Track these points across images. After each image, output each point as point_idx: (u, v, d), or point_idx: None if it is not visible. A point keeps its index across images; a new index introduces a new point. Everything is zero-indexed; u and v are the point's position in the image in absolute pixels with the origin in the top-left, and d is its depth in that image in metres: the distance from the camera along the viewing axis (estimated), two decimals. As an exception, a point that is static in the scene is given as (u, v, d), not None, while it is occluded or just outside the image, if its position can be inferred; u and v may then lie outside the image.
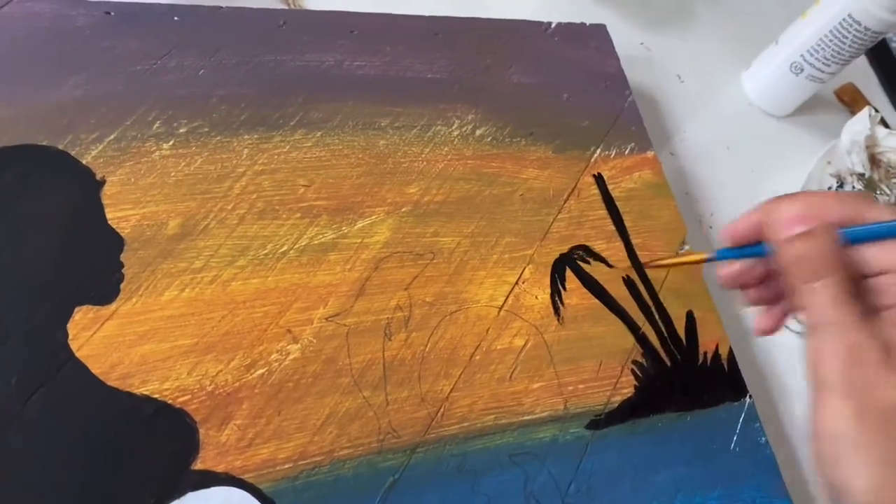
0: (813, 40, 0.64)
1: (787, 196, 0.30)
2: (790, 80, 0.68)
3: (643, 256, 0.49)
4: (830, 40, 0.62)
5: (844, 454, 0.27)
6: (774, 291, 0.34)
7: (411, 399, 0.39)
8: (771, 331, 0.34)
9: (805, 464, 0.50)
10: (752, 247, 0.32)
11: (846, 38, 0.61)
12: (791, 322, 0.54)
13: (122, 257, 0.38)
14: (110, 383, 0.35)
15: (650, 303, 0.48)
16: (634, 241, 0.50)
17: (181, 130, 0.42)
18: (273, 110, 0.45)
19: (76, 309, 0.36)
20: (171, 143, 0.42)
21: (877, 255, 0.28)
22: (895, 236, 0.28)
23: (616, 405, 0.43)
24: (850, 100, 0.75)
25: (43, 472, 0.32)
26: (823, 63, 0.64)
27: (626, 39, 0.66)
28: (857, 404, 0.27)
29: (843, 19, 0.60)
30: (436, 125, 0.49)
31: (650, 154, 0.55)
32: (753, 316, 0.35)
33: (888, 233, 0.28)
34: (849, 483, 0.27)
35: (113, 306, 0.36)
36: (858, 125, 0.65)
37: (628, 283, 0.48)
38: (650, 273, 0.49)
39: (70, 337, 0.35)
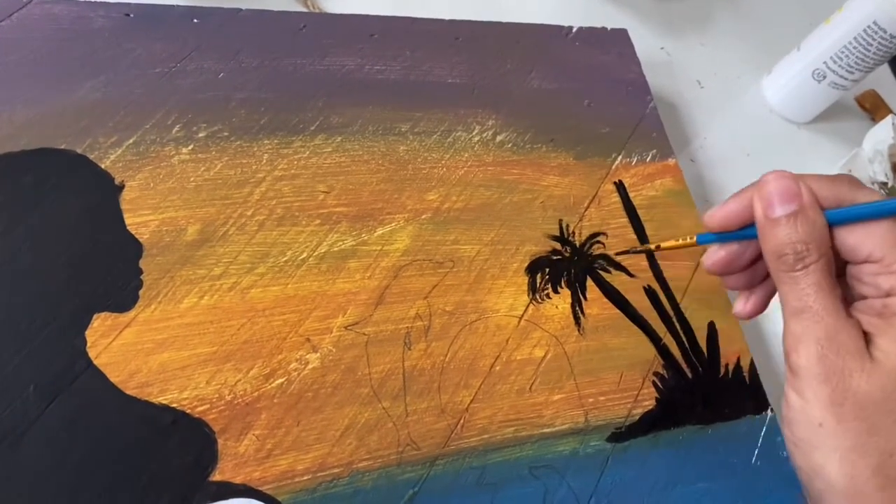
0: (836, 47, 0.63)
1: (776, 172, 0.29)
2: (812, 87, 0.67)
3: (664, 266, 0.48)
4: (854, 47, 0.61)
5: (818, 440, 0.27)
6: (759, 274, 0.33)
7: (431, 410, 0.39)
8: (752, 315, 0.34)
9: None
10: (733, 233, 0.31)
11: (871, 45, 0.60)
12: None
13: (141, 263, 0.37)
14: (129, 392, 0.34)
15: (671, 313, 0.47)
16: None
17: (201, 135, 0.42)
18: (293, 115, 0.45)
19: (95, 316, 0.35)
20: (190, 147, 0.41)
21: (861, 243, 0.28)
22: (877, 217, 0.27)
23: (637, 418, 0.43)
24: (872, 106, 0.75)
25: (60, 481, 0.32)
26: (847, 70, 0.63)
27: (646, 44, 0.66)
28: (832, 391, 0.27)
29: (868, 26, 0.59)
30: (456, 131, 0.49)
31: (671, 161, 0.54)
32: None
33: (871, 214, 0.27)
34: (822, 469, 0.27)
35: (132, 313, 0.36)
36: (881, 133, 0.64)
37: (649, 292, 0.47)
38: (672, 283, 0.48)
39: (88, 344, 0.35)
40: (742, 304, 0.34)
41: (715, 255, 0.32)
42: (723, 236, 0.32)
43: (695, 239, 0.35)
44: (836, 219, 0.28)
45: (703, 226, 0.32)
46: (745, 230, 0.31)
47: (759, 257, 0.32)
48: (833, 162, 0.66)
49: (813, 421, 0.27)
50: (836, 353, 0.27)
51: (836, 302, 0.28)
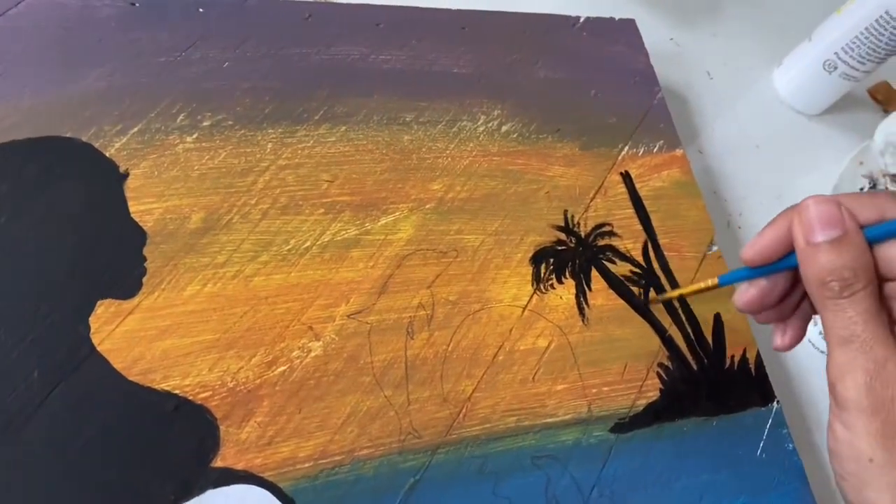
0: (847, 37, 0.62)
1: (815, 197, 0.28)
2: (823, 77, 0.66)
3: (670, 257, 0.48)
4: (866, 38, 0.61)
5: (869, 476, 0.26)
6: (790, 305, 0.33)
7: (433, 399, 0.39)
8: (792, 346, 0.33)
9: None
10: (762, 267, 0.31)
11: (882, 35, 0.60)
12: (817, 340, 0.53)
13: (145, 251, 0.37)
14: (132, 378, 0.34)
15: (677, 305, 0.47)
16: (662, 240, 0.49)
17: (205, 123, 0.42)
18: (297, 104, 0.45)
19: (98, 303, 0.35)
20: (194, 136, 0.41)
21: None
22: None
23: (641, 409, 0.43)
24: (884, 98, 0.74)
25: (63, 467, 0.32)
26: (858, 61, 0.63)
27: (656, 35, 0.65)
28: (882, 424, 0.26)
29: (881, 16, 0.59)
30: (461, 120, 0.48)
31: (679, 152, 0.54)
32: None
33: None
34: None
35: (135, 300, 0.36)
36: (893, 125, 0.63)
37: (655, 284, 0.47)
38: (678, 274, 0.48)
39: (92, 331, 0.35)
40: (780, 338, 0.33)
41: (746, 294, 0.32)
42: (747, 275, 0.31)
43: (717, 281, 0.34)
44: (877, 235, 0.27)
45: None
46: (773, 265, 0.30)
47: (789, 290, 0.32)
48: (844, 154, 0.65)
49: (862, 455, 0.26)
50: (885, 385, 0.26)
51: (885, 330, 0.26)
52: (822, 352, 0.53)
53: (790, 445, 0.44)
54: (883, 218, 0.27)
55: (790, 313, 0.33)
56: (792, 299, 0.33)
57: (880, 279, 0.28)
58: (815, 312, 0.33)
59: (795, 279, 0.32)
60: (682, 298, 0.47)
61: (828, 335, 0.28)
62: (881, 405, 0.26)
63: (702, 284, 0.36)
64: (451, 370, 0.40)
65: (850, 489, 0.27)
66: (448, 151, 0.47)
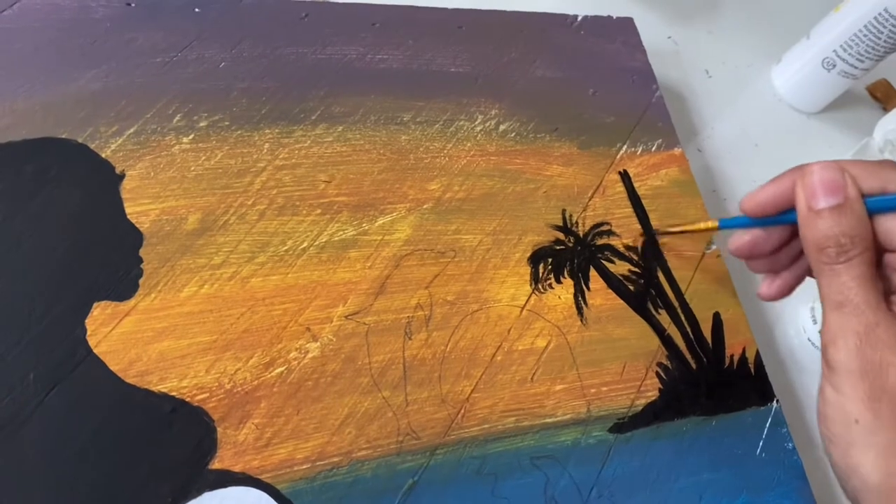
0: (846, 35, 0.62)
1: (822, 163, 0.28)
2: (822, 75, 0.66)
3: (670, 257, 0.48)
4: (865, 35, 0.60)
5: (854, 437, 0.26)
6: (784, 258, 0.33)
7: (431, 400, 0.39)
8: (776, 298, 0.34)
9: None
10: (764, 218, 0.31)
11: (881, 33, 0.59)
12: (817, 339, 0.53)
13: (141, 252, 0.37)
14: (128, 380, 0.34)
15: (676, 304, 0.47)
16: (660, 240, 0.49)
17: (201, 124, 0.42)
18: (294, 104, 0.45)
19: (94, 304, 0.35)
20: (191, 136, 0.41)
21: None
22: None
23: (640, 408, 0.42)
24: (883, 96, 0.74)
25: (60, 469, 0.32)
26: (857, 59, 0.62)
27: (653, 33, 0.65)
28: (869, 386, 0.26)
29: (879, 14, 0.59)
30: (459, 120, 0.48)
31: (677, 151, 0.54)
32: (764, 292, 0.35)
33: None
34: (858, 467, 0.26)
35: (131, 302, 0.36)
36: (892, 123, 0.63)
37: (654, 283, 0.47)
38: (676, 273, 0.48)
39: (88, 333, 0.35)
40: (766, 287, 0.34)
41: (739, 239, 0.33)
42: (747, 222, 0.32)
43: (717, 223, 0.35)
44: (877, 206, 0.27)
45: (722, 212, 0.33)
46: (772, 218, 0.31)
47: (784, 244, 0.32)
48: (843, 152, 0.65)
49: (849, 417, 0.26)
50: (874, 348, 0.26)
51: (878, 295, 0.27)
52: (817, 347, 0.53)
53: (790, 444, 0.44)
54: (885, 190, 0.28)
55: (784, 266, 0.33)
56: (787, 253, 0.33)
57: (880, 249, 0.28)
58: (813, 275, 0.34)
59: (792, 234, 0.33)
60: (680, 296, 0.47)
61: (823, 300, 0.28)
62: (870, 368, 0.26)
63: (702, 225, 0.38)
64: (450, 371, 0.40)
65: (836, 451, 0.27)
66: (445, 151, 0.47)
